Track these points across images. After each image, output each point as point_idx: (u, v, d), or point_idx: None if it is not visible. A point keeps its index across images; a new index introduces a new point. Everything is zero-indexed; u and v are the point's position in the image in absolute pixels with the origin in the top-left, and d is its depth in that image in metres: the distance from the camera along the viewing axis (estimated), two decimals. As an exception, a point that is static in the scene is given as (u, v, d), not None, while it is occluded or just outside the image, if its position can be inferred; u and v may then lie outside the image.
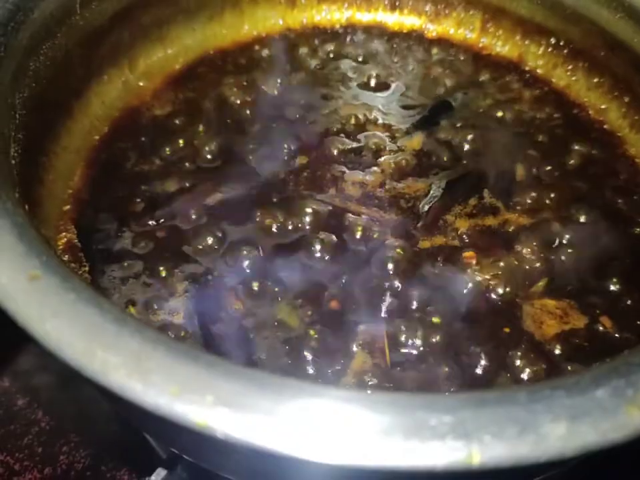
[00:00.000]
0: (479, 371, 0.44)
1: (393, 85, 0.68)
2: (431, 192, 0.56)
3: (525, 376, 0.44)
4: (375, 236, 0.52)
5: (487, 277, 0.49)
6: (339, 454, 0.27)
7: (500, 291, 0.48)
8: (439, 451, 0.26)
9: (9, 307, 0.31)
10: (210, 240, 0.50)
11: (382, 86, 0.68)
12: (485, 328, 0.46)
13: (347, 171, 0.58)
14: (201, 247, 0.50)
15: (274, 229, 0.52)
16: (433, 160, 0.59)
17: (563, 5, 0.66)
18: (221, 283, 0.48)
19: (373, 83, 0.69)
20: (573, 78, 0.67)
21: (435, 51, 0.73)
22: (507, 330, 0.46)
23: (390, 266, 0.49)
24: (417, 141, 0.61)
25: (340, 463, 0.27)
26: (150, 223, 0.52)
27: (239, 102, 0.65)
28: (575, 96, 0.67)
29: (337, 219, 0.53)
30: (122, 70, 0.63)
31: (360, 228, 0.52)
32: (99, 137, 0.59)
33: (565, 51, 0.68)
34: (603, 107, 0.65)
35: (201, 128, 0.61)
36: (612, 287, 0.49)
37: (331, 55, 0.72)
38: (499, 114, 0.65)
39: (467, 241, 0.52)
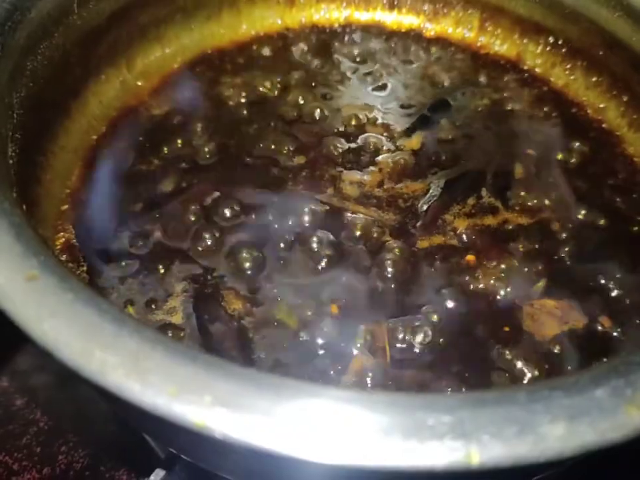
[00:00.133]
0: (478, 371, 0.44)
1: (391, 84, 0.68)
2: (430, 191, 0.56)
3: (524, 376, 0.44)
4: (373, 235, 0.52)
5: (487, 276, 0.49)
6: (338, 454, 0.27)
7: (500, 290, 0.48)
8: (438, 451, 0.26)
9: (6, 307, 0.31)
10: (208, 239, 0.50)
11: (380, 85, 0.68)
12: (484, 328, 0.46)
13: (345, 171, 0.58)
14: (199, 246, 0.50)
15: (272, 229, 0.52)
16: (432, 159, 0.59)
17: (561, 3, 0.66)
18: (220, 282, 0.48)
19: (371, 82, 0.69)
20: (572, 77, 0.67)
21: (433, 50, 0.73)
22: (506, 330, 0.46)
23: (389, 265, 0.49)
24: (415, 140, 0.61)
25: (339, 463, 0.27)
26: (148, 222, 0.52)
27: (237, 101, 0.65)
28: (573, 95, 0.67)
29: (336, 218, 0.53)
30: (120, 69, 0.63)
31: (359, 227, 0.52)
32: (97, 137, 0.59)
33: (564, 50, 0.68)
34: (601, 105, 0.65)
35: (199, 128, 0.60)
36: (612, 287, 0.49)
37: (329, 54, 0.71)
38: (498, 113, 0.65)
39: (466, 240, 0.52)
